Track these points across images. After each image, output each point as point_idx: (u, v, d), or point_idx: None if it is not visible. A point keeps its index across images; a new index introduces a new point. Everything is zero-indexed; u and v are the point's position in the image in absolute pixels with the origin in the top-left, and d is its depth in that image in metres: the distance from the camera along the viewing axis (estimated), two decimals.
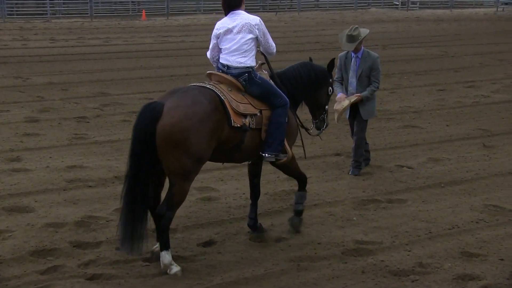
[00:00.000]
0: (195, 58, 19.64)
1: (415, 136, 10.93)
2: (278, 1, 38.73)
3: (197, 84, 6.28)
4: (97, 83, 15.42)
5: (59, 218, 7.20)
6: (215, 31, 6.58)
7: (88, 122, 11.66)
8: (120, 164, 9.19)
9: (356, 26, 8.81)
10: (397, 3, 40.49)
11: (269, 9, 37.33)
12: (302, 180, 7.03)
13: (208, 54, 6.77)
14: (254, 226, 6.91)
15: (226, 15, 6.60)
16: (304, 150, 7.22)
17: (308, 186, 7.84)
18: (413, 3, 40.30)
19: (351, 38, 8.63)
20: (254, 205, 6.92)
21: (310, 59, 7.36)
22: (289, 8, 38.63)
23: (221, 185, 8.32)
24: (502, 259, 6.30)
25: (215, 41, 6.61)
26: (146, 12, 33.21)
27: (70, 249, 6.44)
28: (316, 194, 8.05)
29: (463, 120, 12.12)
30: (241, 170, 8.78)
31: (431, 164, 9.37)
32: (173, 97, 5.95)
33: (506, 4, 40.24)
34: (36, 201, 7.72)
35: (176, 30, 27.98)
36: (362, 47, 8.84)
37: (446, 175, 8.88)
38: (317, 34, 26.43)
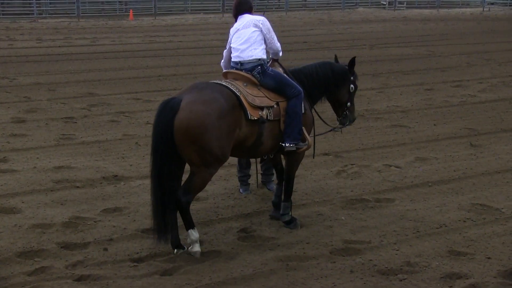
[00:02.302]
0: (183, 58, 19.63)
1: (402, 136, 10.97)
2: (266, 1, 38.75)
3: (214, 82, 6.54)
4: (84, 83, 15.36)
5: (46, 219, 7.16)
6: (231, 38, 7.01)
7: (75, 122, 11.61)
8: (108, 164, 9.17)
9: None
10: (384, 3, 40.62)
11: (257, 9, 37.32)
12: (289, 188, 7.18)
13: (222, 63, 7.23)
14: (279, 204, 7.18)
15: (236, 21, 7.05)
16: (314, 150, 7.40)
17: (296, 186, 7.88)
18: (400, 3, 40.45)
19: None
20: (279, 184, 7.30)
21: (336, 57, 7.66)
22: (277, 8, 38.65)
23: (209, 185, 8.25)
24: (489, 258, 6.34)
25: (227, 51, 7.10)
26: (133, 12, 33.11)
27: (58, 250, 6.41)
28: (304, 194, 8.07)
29: (450, 119, 12.18)
30: (229, 171, 8.79)
31: (418, 163, 9.41)
32: (191, 93, 6.18)
33: (492, 4, 40.46)
34: (23, 202, 7.68)
35: (164, 30, 27.92)
36: None
37: (434, 174, 8.92)
38: (305, 34, 26.46)
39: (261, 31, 6.86)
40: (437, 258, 6.32)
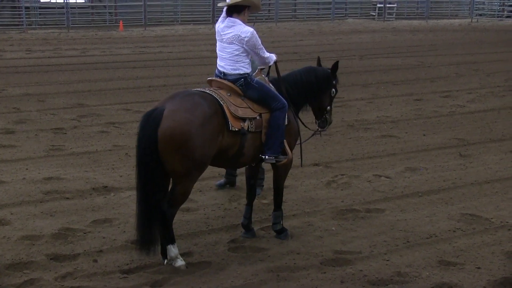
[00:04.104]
0: (173, 68, 19.62)
1: (392, 146, 11.01)
2: (255, 11, 38.73)
3: (197, 90, 6.49)
4: (74, 94, 15.32)
5: (35, 231, 7.13)
6: (216, 28, 6.84)
7: (65, 133, 11.58)
8: (98, 175, 9.14)
9: None
10: (374, 13, 40.81)
11: (247, 19, 37.25)
12: (279, 198, 7.15)
13: None
14: (248, 226, 7.08)
15: (226, 16, 6.74)
16: (301, 159, 7.38)
17: (286, 196, 7.88)
18: (389, 14, 40.65)
19: None
20: (249, 205, 7.12)
21: (319, 59, 7.57)
22: (267, 19, 38.74)
23: (199, 196, 8.31)
24: (479, 267, 6.36)
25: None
26: (123, 23, 33.09)
27: (47, 261, 6.38)
28: (294, 204, 8.07)
29: (439, 129, 12.24)
30: (219, 181, 8.78)
31: (408, 173, 9.44)
32: (174, 101, 6.14)
33: (480, 15, 40.71)
34: (12, 214, 7.64)
35: (154, 41, 27.91)
36: None
37: (424, 184, 8.95)
38: (295, 44, 26.54)
39: (244, 48, 6.64)
40: (427, 268, 6.33)
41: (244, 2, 6.69)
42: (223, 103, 6.36)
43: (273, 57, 7.00)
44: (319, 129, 7.60)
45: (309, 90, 7.24)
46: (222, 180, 8.70)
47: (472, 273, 6.25)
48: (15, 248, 6.68)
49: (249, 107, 6.59)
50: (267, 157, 6.67)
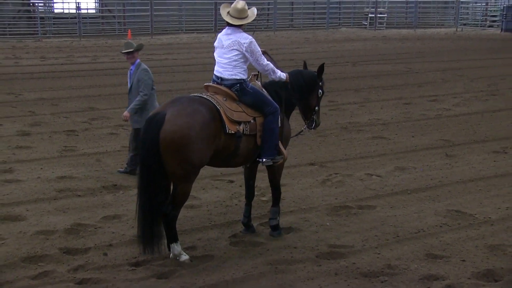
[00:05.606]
0: (178, 74, 19.61)
1: (383, 147, 11.01)
2: (255, 21, 38.73)
3: (196, 95, 6.45)
4: (86, 98, 15.30)
5: (49, 226, 7.13)
6: (215, 43, 6.85)
7: (77, 135, 11.57)
8: (107, 174, 9.14)
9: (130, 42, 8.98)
10: (366, 23, 40.79)
11: (247, 28, 37.13)
12: (277, 194, 7.13)
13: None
14: (248, 224, 7.07)
15: (226, 26, 6.75)
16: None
17: (284, 194, 7.88)
18: (380, 23, 40.63)
19: (127, 45, 8.76)
20: (248, 205, 7.10)
21: (305, 63, 7.49)
22: (265, 28, 38.72)
23: (202, 194, 8.31)
24: (463, 260, 6.37)
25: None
26: (131, 32, 33.08)
27: (60, 255, 6.38)
28: (292, 202, 8.07)
29: (427, 131, 12.24)
30: (221, 180, 8.77)
31: (398, 172, 9.44)
32: (174, 106, 6.11)
33: (464, 25, 40.70)
34: (27, 210, 7.64)
35: (160, 48, 27.89)
36: (138, 60, 8.86)
37: (412, 182, 8.95)
38: (292, 51, 26.52)
39: (243, 54, 6.63)
40: (416, 261, 6.33)
41: (247, 20, 6.78)
42: (220, 107, 6.33)
43: (279, 73, 6.86)
44: (304, 128, 7.50)
45: (299, 91, 7.16)
46: None
47: (457, 265, 6.25)
48: (30, 242, 6.68)
49: (244, 111, 6.55)
50: (264, 160, 6.65)
